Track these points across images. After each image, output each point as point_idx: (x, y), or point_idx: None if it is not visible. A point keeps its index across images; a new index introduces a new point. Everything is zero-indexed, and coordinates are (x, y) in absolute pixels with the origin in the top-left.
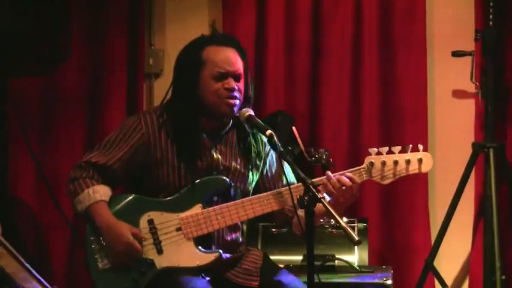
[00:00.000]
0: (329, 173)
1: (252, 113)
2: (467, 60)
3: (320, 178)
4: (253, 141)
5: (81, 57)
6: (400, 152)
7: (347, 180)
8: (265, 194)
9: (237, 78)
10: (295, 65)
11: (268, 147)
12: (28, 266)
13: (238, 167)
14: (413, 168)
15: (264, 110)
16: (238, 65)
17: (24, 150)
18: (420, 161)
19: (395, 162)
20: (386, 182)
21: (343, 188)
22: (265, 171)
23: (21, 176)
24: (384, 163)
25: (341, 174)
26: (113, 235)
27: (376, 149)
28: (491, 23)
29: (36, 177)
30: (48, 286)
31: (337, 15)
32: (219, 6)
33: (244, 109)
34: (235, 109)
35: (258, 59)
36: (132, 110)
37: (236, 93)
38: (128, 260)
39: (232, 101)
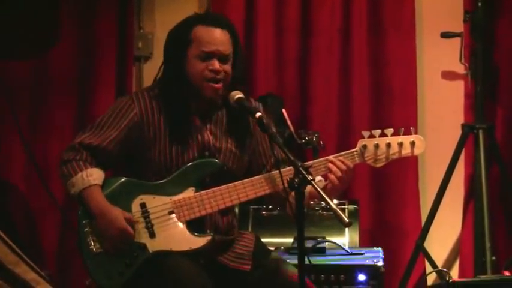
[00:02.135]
0: (331, 157)
1: (242, 95)
2: (457, 42)
3: (319, 160)
4: (243, 120)
5: (70, 40)
6: (392, 135)
7: (342, 164)
8: (257, 177)
9: (223, 59)
10: (284, 47)
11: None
12: (18, 250)
13: (230, 146)
14: (406, 151)
15: (253, 92)
16: (226, 45)
17: (15, 134)
18: (413, 144)
19: (388, 145)
20: (379, 165)
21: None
22: (256, 149)
23: (11, 160)
24: (376, 146)
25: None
26: (106, 220)
27: (368, 132)
28: (480, 3)
29: (27, 161)
30: (39, 270)
31: None
32: None
33: (234, 91)
34: (220, 92)
35: (247, 41)
36: (121, 93)
37: (220, 76)
38: (121, 245)
39: (216, 85)
